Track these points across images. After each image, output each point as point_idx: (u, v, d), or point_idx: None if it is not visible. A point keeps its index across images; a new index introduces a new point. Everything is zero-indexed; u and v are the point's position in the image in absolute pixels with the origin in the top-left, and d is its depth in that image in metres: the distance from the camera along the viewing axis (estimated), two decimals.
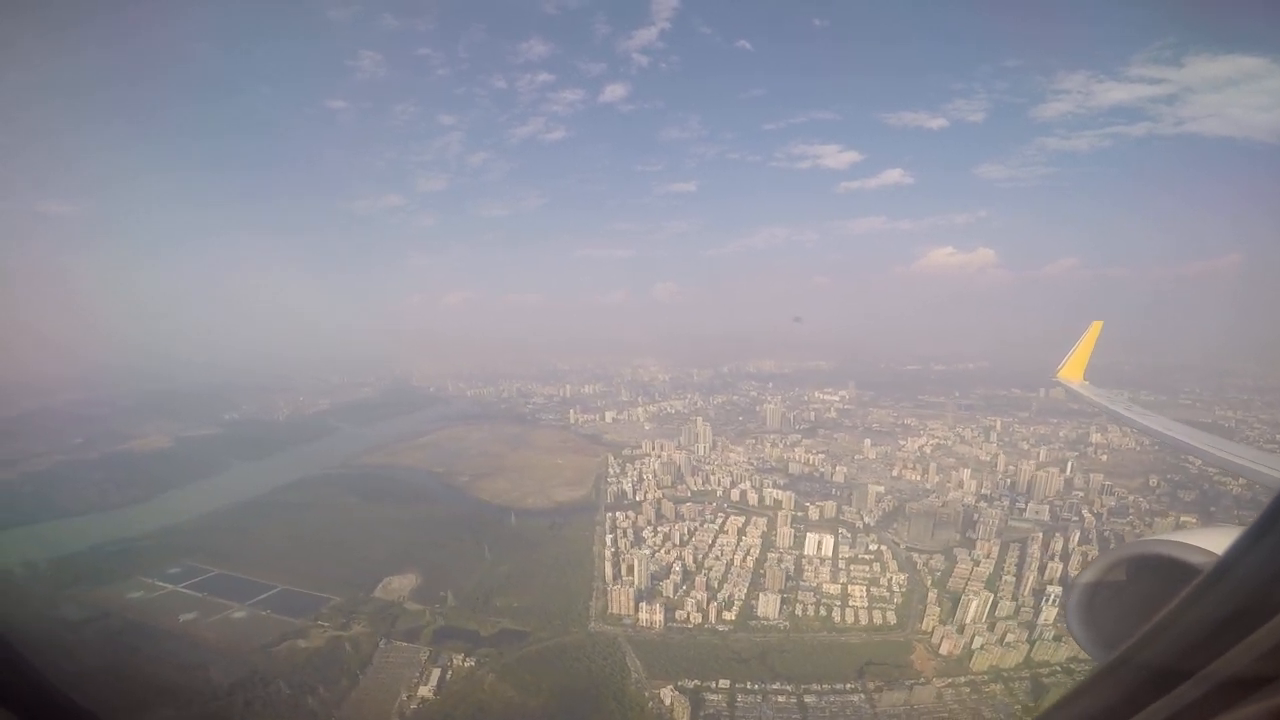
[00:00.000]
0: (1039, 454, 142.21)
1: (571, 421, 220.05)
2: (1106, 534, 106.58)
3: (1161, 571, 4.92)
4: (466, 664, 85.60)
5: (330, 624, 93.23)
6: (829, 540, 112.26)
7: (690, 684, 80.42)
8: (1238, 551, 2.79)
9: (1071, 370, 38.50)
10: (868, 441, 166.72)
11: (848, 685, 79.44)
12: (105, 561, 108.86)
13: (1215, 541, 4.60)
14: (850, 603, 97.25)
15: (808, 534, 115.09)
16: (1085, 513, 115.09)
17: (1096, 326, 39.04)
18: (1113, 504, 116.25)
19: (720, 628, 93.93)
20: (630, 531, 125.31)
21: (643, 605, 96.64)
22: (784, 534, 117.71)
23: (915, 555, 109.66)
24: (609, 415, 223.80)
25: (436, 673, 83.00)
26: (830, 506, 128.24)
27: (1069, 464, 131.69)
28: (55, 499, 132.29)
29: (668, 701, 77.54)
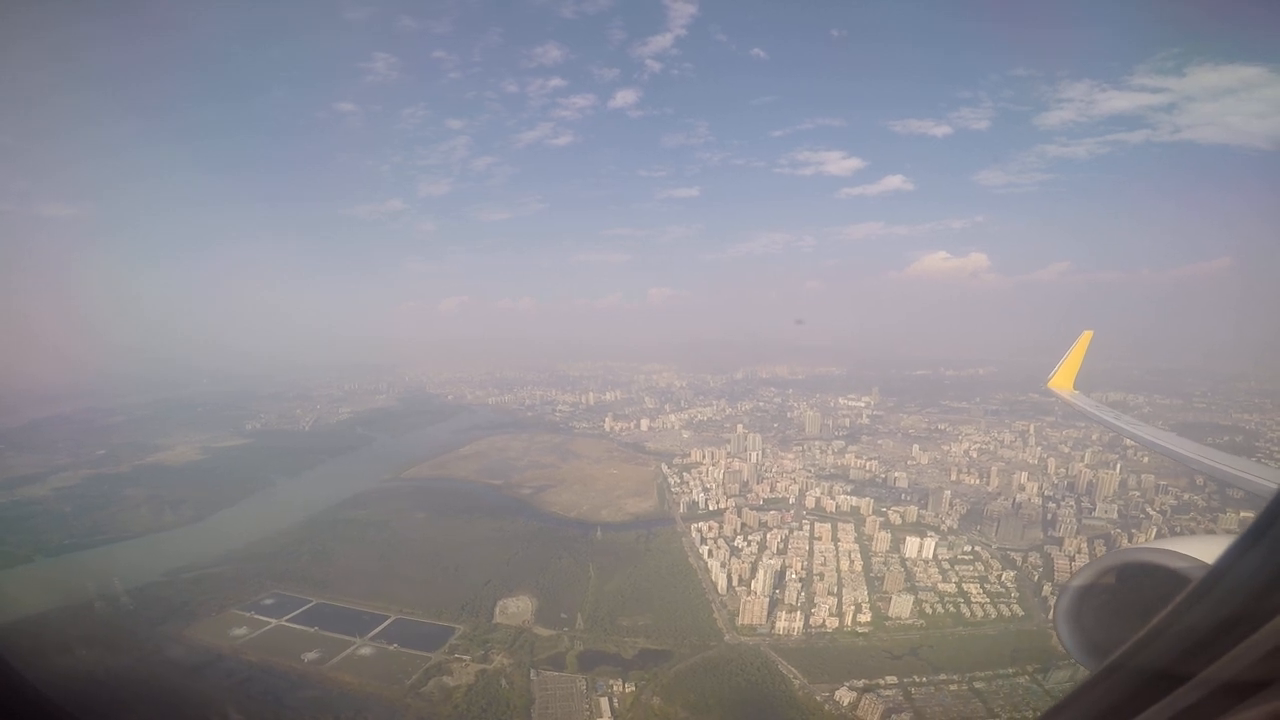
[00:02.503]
0: (1084, 456, 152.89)
1: (607, 430, 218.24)
2: (1179, 530, 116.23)
3: (1150, 579, 5.17)
4: (626, 689, 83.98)
5: (469, 656, 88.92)
6: (929, 543, 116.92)
7: (858, 683, 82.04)
8: (1233, 557, 2.86)
9: (1062, 379, 38.42)
10: (915, 447, 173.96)
11: (1010, 670, 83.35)
12: (187, 592, 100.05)
13: (1204, 550, 4.92)
14: (972, 599, 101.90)
15: (906, 537, 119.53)
16: (1150, 511, 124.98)
17: (1086, 336, 39.14)
18: (1173, 502, 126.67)
19: (859, 630, 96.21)
20: (721, 542, 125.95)
21: (781, 614, 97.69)
22: (880, 538, 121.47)
23: (1011, 554, 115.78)
24: (644, 423, 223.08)
25: (603, 702, 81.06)
26: (911, 511, 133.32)
27: (1118, 465, 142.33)
28: (102, 520, 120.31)
29: (845, 702, 79.05)
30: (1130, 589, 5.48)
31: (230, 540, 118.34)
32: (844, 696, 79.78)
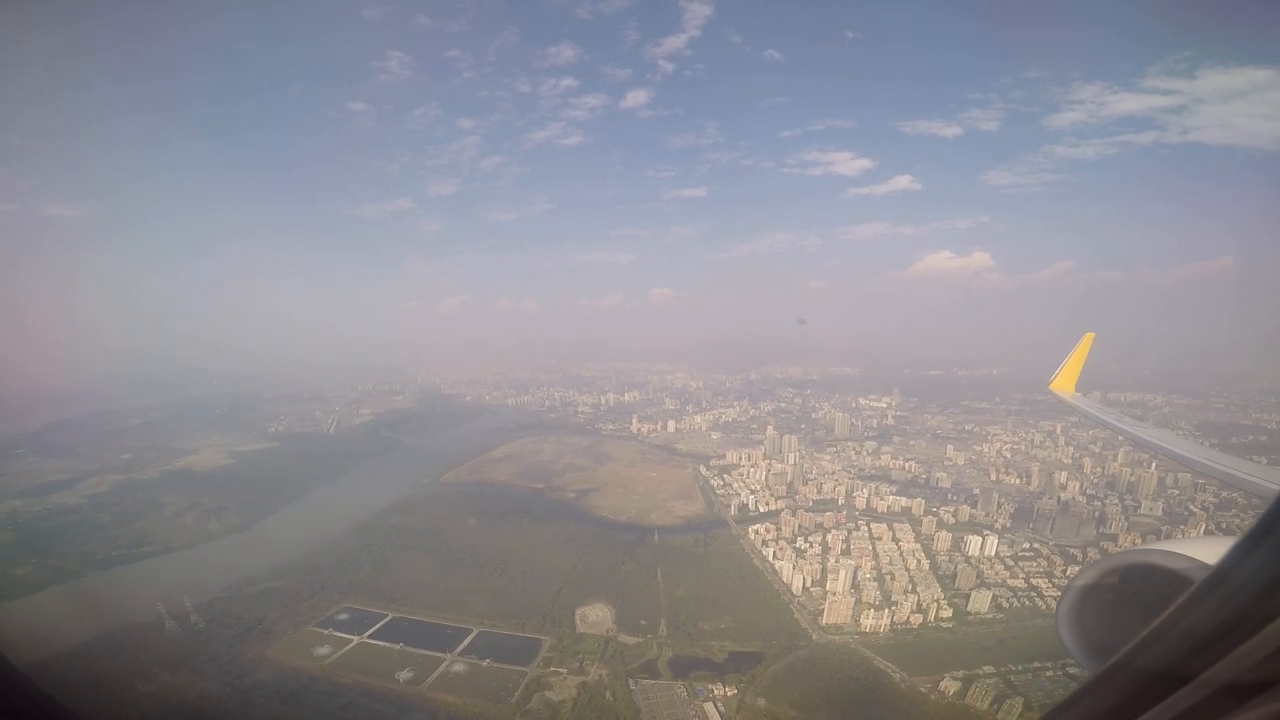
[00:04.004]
0: (1117, 456, 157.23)
1: (635, 431, 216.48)
2: (1224, 526, 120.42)
3: (1152, 581, 5.23)
4: (727, 693, 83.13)
5: (565, 669, 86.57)
6: (992, 540, 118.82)
7: (958, 674, 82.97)
8: (1235, 558, 2.86)
9: (1064, 381, 38.36)
10: (950, 447, 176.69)
11: None
12: (256, 608, 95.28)
13: (1206, 551, 4.99)
14: (1044, 593, 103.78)
15: (966, 536, 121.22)
16: (1193, 508, 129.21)
17: (1088, 339, 39.08)
18: (1213, 500, 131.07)
19: (943, 625, 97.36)
20: (784, 543, 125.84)
21: (868, 611, 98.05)
22: (941, 538, 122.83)
23: (1069, 550, 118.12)
24: (671, 425, 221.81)
25: (707, 707, 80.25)
26: (963, 511, 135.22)
27: (1153, 464, 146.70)
28: (144, 530, 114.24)
29: (950, 691, 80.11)
30: (1132, 590, 5.47)
31: (282, 550, 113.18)
32: (949, 686, 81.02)
